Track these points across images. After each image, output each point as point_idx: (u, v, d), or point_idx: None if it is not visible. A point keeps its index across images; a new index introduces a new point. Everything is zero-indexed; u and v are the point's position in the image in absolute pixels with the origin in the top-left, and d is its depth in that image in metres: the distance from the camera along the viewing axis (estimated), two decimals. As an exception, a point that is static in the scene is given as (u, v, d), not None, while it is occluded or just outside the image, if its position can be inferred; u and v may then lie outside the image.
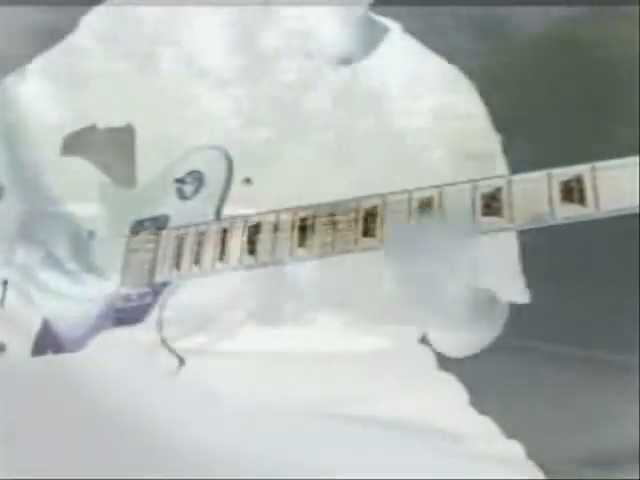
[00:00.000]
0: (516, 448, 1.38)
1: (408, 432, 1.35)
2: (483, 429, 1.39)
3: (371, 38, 1.42)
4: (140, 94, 1.41)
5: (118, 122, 1.42)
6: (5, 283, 1.36)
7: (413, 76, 1.41)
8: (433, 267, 1.14)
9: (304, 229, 1.22)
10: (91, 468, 1.30)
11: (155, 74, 1.42)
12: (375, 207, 1.18)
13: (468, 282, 1.16)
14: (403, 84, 1.40)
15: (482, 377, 1.44)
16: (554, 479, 1.37)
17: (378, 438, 1.35)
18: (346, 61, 1.41)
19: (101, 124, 1.43)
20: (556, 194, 1.08)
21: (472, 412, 1.40)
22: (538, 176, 1.10)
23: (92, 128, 1.42)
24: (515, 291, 1.19)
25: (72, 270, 1.33)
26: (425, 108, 1.39)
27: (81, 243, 1.34)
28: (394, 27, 1.44)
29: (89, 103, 1.43)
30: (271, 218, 1.24)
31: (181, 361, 1.29)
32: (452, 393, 1.41)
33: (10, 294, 1.36)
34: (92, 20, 1.44)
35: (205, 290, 1.30)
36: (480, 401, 1.40)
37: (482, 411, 1.39)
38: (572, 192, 1.07)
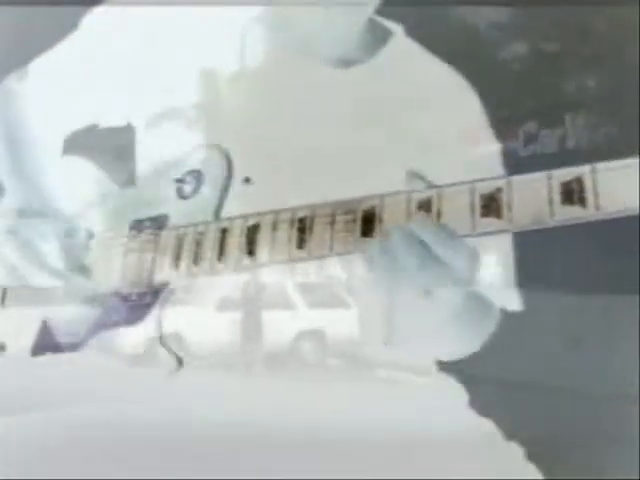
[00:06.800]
0: (516, 449, 1.38)
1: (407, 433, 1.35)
2: (483, 430, 1.38)
3: (374, 41, 1.41)
4: (141, 93, 1.41)
5: (118, 122, 1.42)
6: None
7: (415, 80, 1.40)
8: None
9: (303, 230, 1.21)
10: (91, 468, 1.30)
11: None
12: (373, 208, 1.18)
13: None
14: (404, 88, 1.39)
15: (482, 377, 1.44)
16: (554, 479, 1.37)
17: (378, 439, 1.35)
18: (347, 63, 1.40)
19: (101, 124, 1.43)
20: (556, 195, 1.08)
21: (472, 414, 1.40)
22: (538, 177, 1.10)
23: (92, 128, 1.42)
24: (507, 297, 1.18)
25: (71, 270, 1.33)
26: (426, 112, 1.39)
27: (80, 243, 1.34)
28: (397, 30, 1.44)
29: (89, 103, 1.43)
30: (270, 218, 1.24)
31: (180, 362, 1.28)
32: (452, 394, 1.41)
33: (10, 294, 1.36)
34: (92, 20, 1.44)
35: None
36: (480, 402, 1.40)
37: (482, 412, 1.39)
38: (572, 193, 1.07)
